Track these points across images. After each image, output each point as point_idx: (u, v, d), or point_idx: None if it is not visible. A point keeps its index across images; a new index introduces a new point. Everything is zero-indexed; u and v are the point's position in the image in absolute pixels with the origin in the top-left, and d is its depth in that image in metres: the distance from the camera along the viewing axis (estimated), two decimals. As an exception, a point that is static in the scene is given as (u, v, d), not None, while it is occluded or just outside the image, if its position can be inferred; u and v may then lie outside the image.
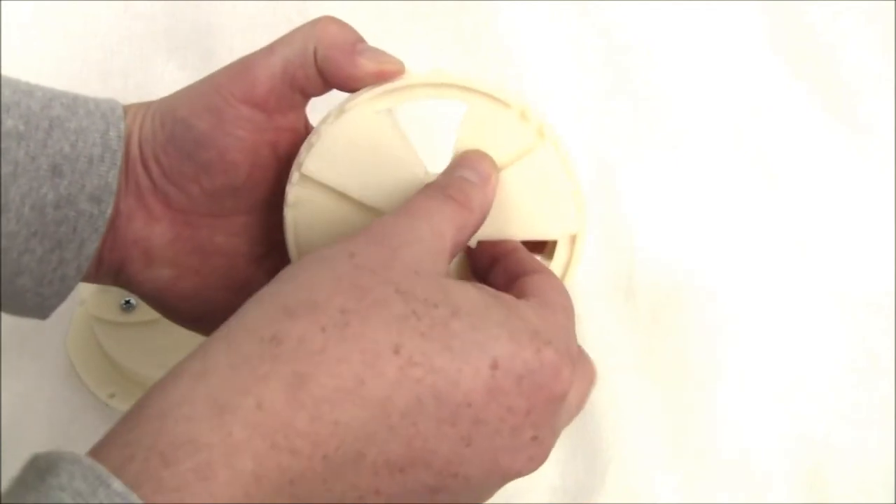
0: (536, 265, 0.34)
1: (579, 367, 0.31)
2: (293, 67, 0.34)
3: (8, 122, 0.33)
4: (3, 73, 0.34)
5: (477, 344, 0.28)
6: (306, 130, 0.37)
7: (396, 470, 0.27)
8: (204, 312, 0.38)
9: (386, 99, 0.35)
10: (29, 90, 0.34)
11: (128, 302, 0.52)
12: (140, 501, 0.23)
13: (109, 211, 0.35)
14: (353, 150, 0.35)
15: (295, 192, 0.36)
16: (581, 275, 0.56)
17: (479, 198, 0.33)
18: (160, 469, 0.24)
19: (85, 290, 0.53)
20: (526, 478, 0.50)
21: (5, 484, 0.25)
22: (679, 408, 0.53)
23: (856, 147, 0.61)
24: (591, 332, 0.54)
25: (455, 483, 0.29)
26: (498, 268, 0.35)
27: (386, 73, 0.34)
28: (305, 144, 0.35)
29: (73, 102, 0.35)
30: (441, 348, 0.27)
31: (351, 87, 0.35)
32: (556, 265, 0.37)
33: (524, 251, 0.35)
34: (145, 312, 0.52)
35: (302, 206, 0.36)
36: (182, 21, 0.60)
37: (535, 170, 0.35)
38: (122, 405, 0.51)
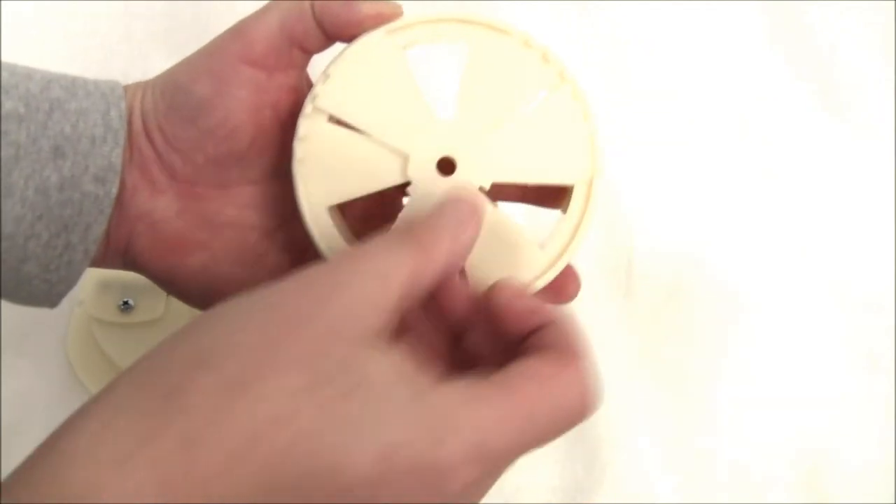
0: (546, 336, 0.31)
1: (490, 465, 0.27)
2: (291, 22, 0.34)
3: (7, 105, 0.33)
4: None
5: (371, 427, 0.26)
6: (307, 90, 0.36)
7: None
8: (216, 291, 0.37)
9: (391, 38, 0.34)
10: (27, 73, 0.34)
11: (126, 303, 0.52)
12: None
13: (114, 191, 0.34)
14: (369, 83, 0.34)
15: (306, 125, 0.35)
16: (580, 274, 0.56)
17: (447, 244, 0.30)
18: None
19: (83, 291, 0.53)
20: (525, 477, 0.50)
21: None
22: (679, 408, 0.53)
23: (856, 147, 0.61)
24: (591, 332, 0.54)
25: None
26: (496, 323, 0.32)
27: (385, 15, 0.34)
28: (321, 76, 0.35)
29: (73, 84, 0.35)
30: (334, 426, 0.26)
31: (350, 33, 0.35)
32: (571, 215, 0.36)
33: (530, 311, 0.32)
34: (144, 313, 0.52)
35: (313, 140, 0.35)
36: (182, 21, 0.60)
37: (552, 112, 0.35)
38: (122, 405, 0.51)
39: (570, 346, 0.30)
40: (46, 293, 0.36)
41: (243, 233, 0.37)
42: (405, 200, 0.36)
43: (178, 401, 0.26)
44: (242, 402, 0.26)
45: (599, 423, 0.51)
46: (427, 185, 0.35)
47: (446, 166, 0.35)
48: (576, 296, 0.37)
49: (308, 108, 0.35)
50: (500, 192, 0.37)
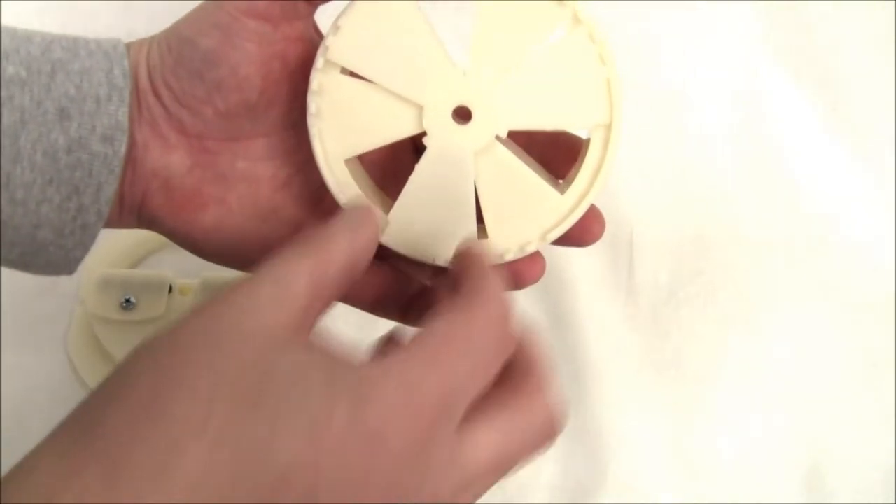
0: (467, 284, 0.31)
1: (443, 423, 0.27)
2: None
3: (9, 69, 0.33)
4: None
5: (288, 414, 0.25)
6: (317, 39, 0.36)
7: None
8: (232, 245, 0.37)
9: None
10: (27, 36, 0.34)
11: (127, 300, 0.52)
12: None
13: (123, 150, 0.34)
14: (380, 34, 0.34)
15: (319, 78, 0.35)
16: (580, 274, 0.56)
17: (343, 245, 0.31)
18: None
19: (85, 289, 0.53)
20: (526, 477, 0.50)
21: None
22: (679, 408, 0.53)
23: (856, 147, 0.61)
24: (592, 332, 0.54)
25: None
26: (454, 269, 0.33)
27: None
28: (332, 28, 0.34)
29: (74, 44, 0.35)
30: (252, 422, 0.25)
31: None
32: (590, 160, 0.35)
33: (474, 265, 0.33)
34: (145, 311, 0.52)
35: (326, 94, 0.35)
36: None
37: (569, 56, 0.34)
38: (122, 404, 0.51)
39: (476, 288, 0.30)
40: (63, 259, 0.36)
41: (256, 185, 0.37)
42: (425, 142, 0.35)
43: (91, 438, 0.25)
44: (155, 420, 0.25)
45: (601, 422, 0.51)
46: (443, 134, 0.35)
47: (463, 114, 0.35)
48: (601, 236, 0.37)
49: (320, 61, 0.34)
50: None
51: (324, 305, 0.30)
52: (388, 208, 0.36)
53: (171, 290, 0.53)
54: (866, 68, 0.62)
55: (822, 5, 0.62)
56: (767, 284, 0.57)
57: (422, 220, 0.36)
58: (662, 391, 0.53)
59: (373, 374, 0.26)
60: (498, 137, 0.35)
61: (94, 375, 0.52)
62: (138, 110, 0.35)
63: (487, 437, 0.28)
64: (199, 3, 0.37)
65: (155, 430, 0.25)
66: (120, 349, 0.51)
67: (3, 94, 0.32)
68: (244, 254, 0.38)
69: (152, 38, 0.36)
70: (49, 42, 0.34)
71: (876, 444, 0.52)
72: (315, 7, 0.35)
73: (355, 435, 0.25)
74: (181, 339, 0.27)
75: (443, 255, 0.36)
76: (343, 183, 0.36)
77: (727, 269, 0.57)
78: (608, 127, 0.35)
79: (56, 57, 0.34)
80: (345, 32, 0.34)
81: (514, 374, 0.30)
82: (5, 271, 0.52)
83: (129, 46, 0.36)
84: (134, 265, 0.56)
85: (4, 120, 0.32)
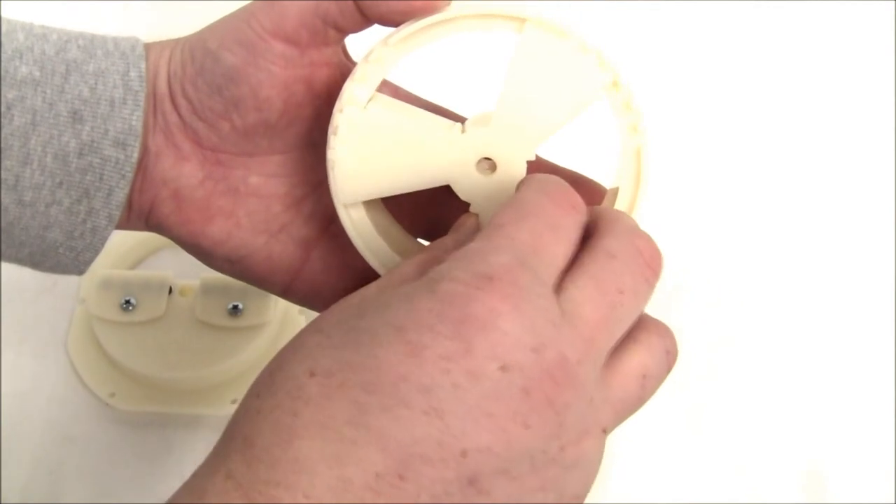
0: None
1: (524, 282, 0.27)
2: (327, 1, 0.33)
3: (22, 69, 0.32)
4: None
5: (381, 325, 0.27)
6: (346, 64, 0.35)
7: (395, 478, 0.25)
8: (239, 257, 0.37)
9: (428, 34, 0.32)
10: (43, 33, 0.33)
11: (127, 301, 0.52)
12: None
13: (136, 155, 0.34)
14: (375, 148, 0.33)
15: (344, 218, 0.34)
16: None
17: (449, 241, 0.32)
18: None
19: (85, 290, 0.53)
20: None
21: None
22: (679, 408, 0.53)
23: (856, 147, 0.61)
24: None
25: (478, 463, 0.26)
26: None
27: (430, 6, 0.32)
28: (328, 163, 0.33)
29: (91, 43, 0.34)
30: (352, 349, 0.27)
31: (393, 20, 0.33)
32: (626, 156, 0.36)
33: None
34: (145, 312, 0.52)
35: (356, 219, 0.35)
36: (182, 22, 0.60)
37: (537, 52, 0.32)
38: (122, 405, 0.51)
39: (527, 178, 0.32)
40: (73, 261, 0.35)
41: (268, 202, 0.36)
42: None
43: (235, 427, 0.28)
44: (273, 394, 0.27)
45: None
46: (482, 196, 0.34)
47: (487, 162, 0.33)
48: None
49: (340, 210, 0.34)
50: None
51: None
52: (406, 248, 0.35)
53: (170, 291, 0.53)
54: (867, 69, 0.62)
55: (823, 6, 0.62)
56: (768, 285, 0.57)
57: None
58: (663, 392, 0.53)
59: (438, 269, 0.28)
60: (529, 163, 0.33)
61: (94, 376, 0.52)
62: (153, 116, 0.34)
63: (582, 290, 0.28)
64: (194, 5, 0.37)
65: (275, 397, 0.27)
66: (120, 350, 0.51)
67: (15, 94, 0.32)
68: (250, 267, 0.37)
69: (176, 42, 0.35)
70: (65, 41, 0.33)
71: (876, 444, 0.52)
72: (345, 35, 0.34)
73: (442, 321, 0.26)
74: (291, 340, 0.29)
75: None
76: (359, 224, 0.35)
77: (727, 269, 0.57)
78: (627, 102, 0.35)
79: (71, 57, 0.33)
80: (338, 175, 0.33)
81: (588, 233, 0.30)
82: (6, 271, 0.52)
83: (149, 48, 0.35)
84: (134, 266, 0.56)
85: (16, 121, 0.32)
